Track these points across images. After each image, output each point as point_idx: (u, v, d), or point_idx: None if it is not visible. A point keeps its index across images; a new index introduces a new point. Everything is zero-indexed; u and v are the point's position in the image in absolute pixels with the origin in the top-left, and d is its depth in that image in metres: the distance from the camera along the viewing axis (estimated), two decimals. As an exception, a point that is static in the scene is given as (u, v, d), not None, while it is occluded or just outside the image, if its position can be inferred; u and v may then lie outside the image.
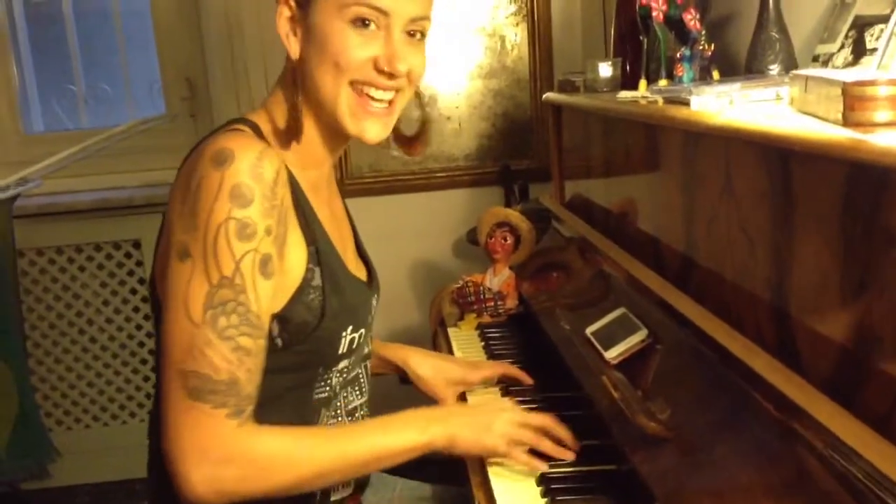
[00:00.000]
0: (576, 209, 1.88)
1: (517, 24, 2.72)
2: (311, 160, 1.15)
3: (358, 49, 1.07)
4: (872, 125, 0.78)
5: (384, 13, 1.07)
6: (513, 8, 2.71)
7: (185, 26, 2.80)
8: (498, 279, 1.93)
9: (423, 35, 1.13)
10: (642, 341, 1.24)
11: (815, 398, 0.82)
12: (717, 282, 1.11)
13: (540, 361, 1.60)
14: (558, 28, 2.72)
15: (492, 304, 1.89)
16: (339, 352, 1.13)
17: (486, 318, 1.89)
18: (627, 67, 1.75)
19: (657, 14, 1.45)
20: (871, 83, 0.79)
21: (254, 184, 0.97)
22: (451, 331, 1.87)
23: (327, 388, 1.15)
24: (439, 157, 2.77)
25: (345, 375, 1.17)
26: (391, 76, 1.09)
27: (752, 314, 1.01)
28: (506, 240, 1.94)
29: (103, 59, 3.00)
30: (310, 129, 1.12)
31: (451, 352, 1.76)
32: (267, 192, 0.98)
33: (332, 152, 1.18)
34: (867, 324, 0.78)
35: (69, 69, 2.95)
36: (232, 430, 0.98)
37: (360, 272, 1.25)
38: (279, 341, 1.07)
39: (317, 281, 1.08)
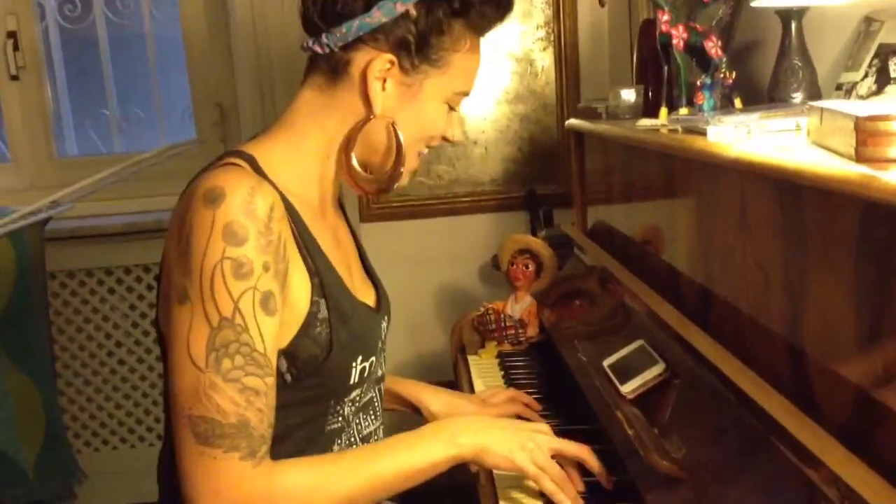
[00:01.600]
0: (597, 237, 1.86)
1: (544, 49, 2.71)
2: (319, 190, 1.15)
3: (444, 125, 1.16)
4: (886, 161, 0.76)
5: (468, 95, 1.17)
6: (541, 33, 2.71)
7: (217, 52, 2.83)
8: (519, 307, 1.91)
9: None
10: (659, 375, 1.22)
11: (827, 444, 0.79)
12: (734, 318, 1.08)
13: (560, 392, 1.58)
14: (585, 54, 2.71)
15: (513, 332, 1.87)
16: (351, 382, 1.12)
17: (507, 347, 1.87)
18: (650, 95, 1.73)
19: (678, 42, 1.43)
20: (885, 118, 0.76)
21: (247, 221, 0.96)
22: (471, 358, 1.86)
23: (339, 419, 1.13)
24: (465, 182, 2.76)
25: (357, 403, 1.16)
26: (446, 141, 1.19)
27: (767, 352, 0.98)
28: (527, 267, 1.92)
29: (136, 85, 3.04)
30: (332, 164, 1.14)
31: (470, 380, 1.75)
32: (262, 229, 0.97)
33: (343, 183, 1.19)
34: (881, 368, 0.75)
35: (103, 94, 3.00)
36: (247, 471, 0.96)
37: (368, 295, 1.23)
38: (288, 377, 1.05)
39: (323, 313, 1.07)
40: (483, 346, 1.89)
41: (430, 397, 1.44)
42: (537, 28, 2.71)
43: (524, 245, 1.93)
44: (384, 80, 1.09)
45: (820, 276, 0.85)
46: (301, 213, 1.08)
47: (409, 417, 1.48)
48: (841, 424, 0.82)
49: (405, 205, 2.77)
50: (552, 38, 2.71)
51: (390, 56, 1.07)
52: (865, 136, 0.77)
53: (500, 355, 1.84)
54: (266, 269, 0.98)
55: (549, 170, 2.74)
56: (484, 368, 1.80)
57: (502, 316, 1.87)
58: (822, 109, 0.93)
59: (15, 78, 2.83)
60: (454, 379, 1.87)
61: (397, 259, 2.77)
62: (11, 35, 2.80)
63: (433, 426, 1.14)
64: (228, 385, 0.95)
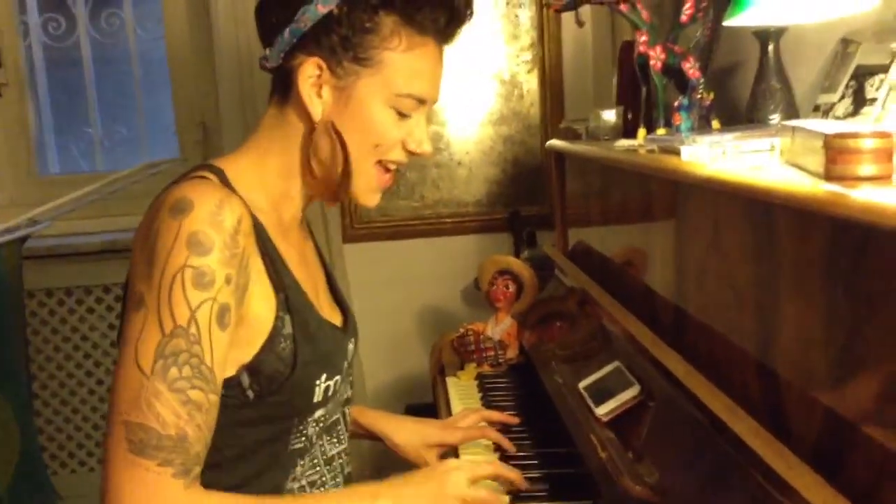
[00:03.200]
0: (578, 258, 1.84)
1: (529, 72, 2.72)
2: (285, 207, 1.14)
3: (396, 132, 1.10)
4: (855, 179, 0.75)
5: (423, 102, 1.11)
6: (527, 56, 2.71)
7: (200, 71, 2.82)
8: (500, 328, 1.89)
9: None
10: (634, 398, 1.20)
11: (797, 468, 0.77)
12: (708, 339, 1.07)
13: (539, 415, 1.55)
14: (570, 75, 2.71)
15: (492, 353, 1.85)
16: (314, 400, 1.09)
17: (487, 368, 1.85)
18: (629, 116, 1.72)
19: (655, 63, 1.43)
20: (853, 136, 0.75)
21: (213, 232, 0.95)
22: (449, 380, 1.84)
23: (303, 439, 1.11)
24: (449, 203, 2.75)
25: (321, 424, 1.14)
26: (414, 154, 1.14)
27: (740, 374, 0.97)
28: (508, 288, 1.90)
29: (120, 103, 3.02)
30: (297, 180, 1.13)
31: (448, 401, 1.73)
32: (227, 241, 0.96)
33: (309, 201, 1.18)
34: (851, 391, 0.74)
35: (86, 112, 2.99)
36: (178, 491, 0.92)
37: (335, 317, 1.22)
38: (251, 393, 1.03)
39: (287, 329, 1.05)
40: (462, 368, 1.87)
41: (394, 428, 1.42)
42: (522, 50, 2.71)
43: (505, 266, 1.91)
44: (319, 87, 1.07)
45: (791, 296, 0.84)
46: (268, 228, 1.07)
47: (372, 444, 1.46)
48: (812, 448, 0.80)
49: (388, 225, 2.75)
50: (537, 60, 2.71)
51: (318, 59, 1.06)
52: (834, 153, 0.76)
53: (480, 377, 1.82)
54: (228, 281, 0.96)
55: (532, 191, 2.73)
56: (463, 390, 1.78)
57: (482, 337, 1.86)
58: (793, 128, 0.92)
59: (-3, 95, 2.81)
60: (433, 400, 1.85)
61: (380, 280, 2.75)
62: (-6, 52, 2.79)
63: (357, 488, 1.12)
64: (172, 395, 0.92)
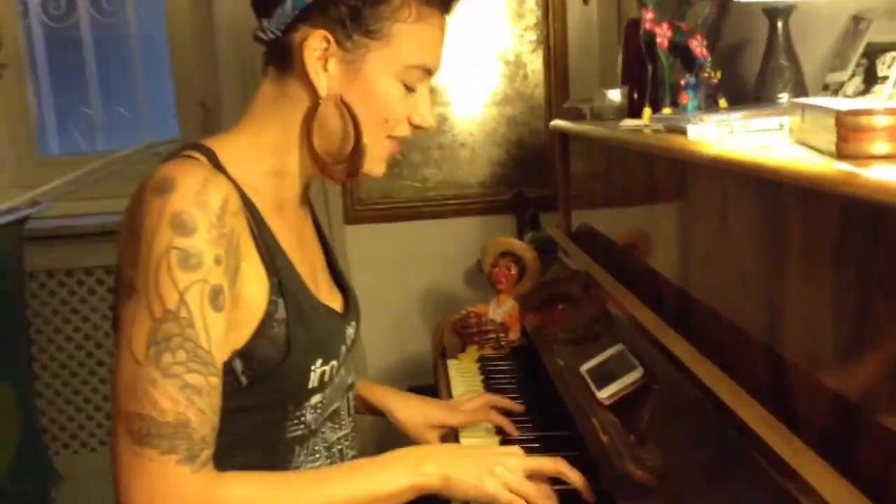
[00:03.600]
0: (581, 240, 1.82)
1: (533, 51, 2.68)
2: (283, 185, 1.11)
3: (402, 105, 1.08)
4: (868, 157, 0.73)
5: (430, 73, 1.09)
6: (531, 35, 2.68)
7: (201, 51, 2.79)
8: (501, 310, 1.87)
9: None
10: (637, 381, 1.18)
11: (804, 456, 0.76)
12: (714, 322, 1.05)
13: (541, 397, 1.54)
14: (575, 55, 2.67)
15: (494, 335, 1.83)
16: (310, 386, 1.07)
17: (488, 351, 1.83)
18: (634, 95, 1.69)
19: (662, 40, 1.40)
20: (867, 112, 0.73)
21: (197, 211, 0.92)
22: (450, 362, 1.82)
23: (301, 426, 1.08)
24: (452, 184, 2.72)
25: (320, 410, 1.11)
26: (420, 128, 1.11)
27: (746, 358, 0.95)
28: (510, 269, 1.89)
29: (120, 83, 3.00)
30: (299, 155, 1.10)
31: (449, 384, 1.71)
32: (213, 220, 0.93)
33: (310, 179, 1.15)
34: (862, 377, 0.72)
35: (87, 93, 2.96)
36: (185, 477, 0.90)
37: (334, 299, 1.19)
38: (244, 379, 1.01)
39: (281, 313, 1.02)
40: (464, 350, 1.85)
41: (398, 404, 1.40)
42: (526, 30, 2.68)
43: (507, 247, 1.89)
44: (325, 61, 1.04)
45: (800, 278, 0.82)
46: (261, 209, 1.04)
47: (382, 422, 1.44)
48: (820, 435, 0.78)
49: (391, 207, 2.73)
50: (541, 40, 2.67)
51: (324, 32, 1.02)
52: (847, 131, 0.73)
53: (481, 359, 1.81)
54: (217, 262, 0.93)
55: (536, 172, 2.70)
56: (464, 373, 1.76)
57: (483, 319, 1.84)
58: (803, 106, 0.90)
59: (-4, 75, 2.79)
60: (434, 382, 1.83)
61: (383, 261, 2.73)
62: (-7, 32, 2.77)
63: (399, 451, 1.07)
64: (168, 381, 0.89)
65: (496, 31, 2.67)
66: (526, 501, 1.05)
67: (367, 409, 1.41)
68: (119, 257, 0.97)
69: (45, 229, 2.68)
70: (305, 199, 1.21)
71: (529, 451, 1.31)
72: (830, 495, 0.69)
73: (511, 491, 1.05)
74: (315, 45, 1.03)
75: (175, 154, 1.04)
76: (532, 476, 1.09)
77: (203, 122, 2.83)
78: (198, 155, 1.02)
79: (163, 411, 0.89)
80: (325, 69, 1.04)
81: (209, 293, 0.92)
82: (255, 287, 1.00)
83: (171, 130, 2.93)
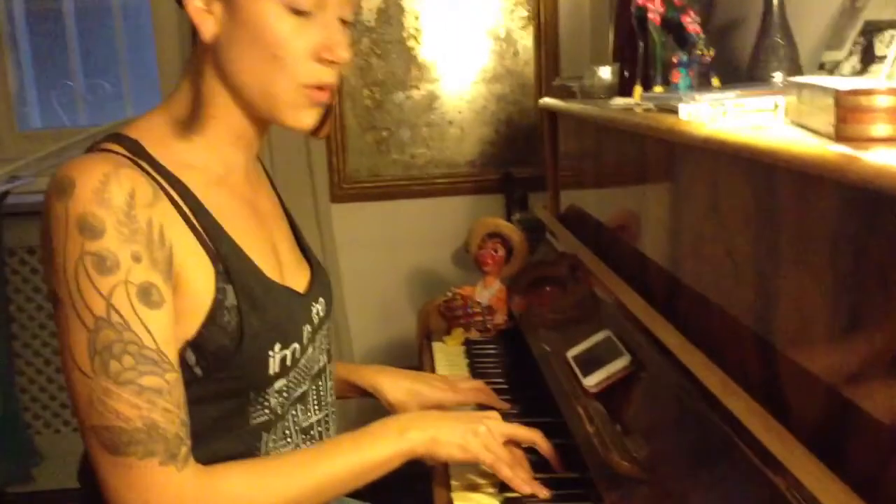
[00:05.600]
0: (569, 221, 1.78)
1: (523, 28, 2.63)
2: (221, 155, 1.04)
3: (297, 37, 0.97)
4: (868, 140, 0.69)
5: None
6: (522, 12, 2.62)
7: (184, 25, 2.72)
8: (488, 292, 1.84)
9: (350, 23, 1.04)
10: (624, 368, 1.15)
11: (794, 450, 0.73)
12: (704, 310, 1.01)
13: (526, 382, 1.51)
14: (566, 33, 2.63)
15: (480, 318, 1.80)
16: (270, 372, 1.02)
17: (474, 334, 1.80)
18: (625, 73, 1.65)
19: (654, 16, 1.36)
20: (867, 93, 0.69)
21: (101, 211, 0.86)
22: (436, 345, 1.79)
23: (266, 412, 1.04)
24: (440, 163, 2.69)
25: (285, 395, 1.06)
26: (332, 64, 1.00)
27: (736, 347, 0.92)
28: (497, 251, 1.85)
29: (103, 56, 2.94)
30: (226, 117, 1.01)
31: (433, 368, 1.68)
32: (121, 218, 0.87)
33: (250, 144, 1.07)
34: (856, 369, 0.68)
35: (68, 65, 2.90)
36: (172, 476, 0.88)
37: (300, 275, 1.14)
38: (198, 370, 0.97)
39: (230, 300, 0.97)
40: (449, 333, 1.82)
41: (389, 385, 1.35)
42: (517, 5, 2.62)
43: (494, 228, 1.86)
44: (209, 4, 0.96)
45: (794, 265, 0.78)
46: (199, 190, 0.98)
47: (366, 404, 1.41)
48: (810, 428, 0.75)
49: (378, 185, 2.69)
50: (531, 17, 2.62)
51: None
52: (846, 112, 0.70)
53: (467, 342, 1.77)
54: (136, 259, 0.88)
55: (526, 152, 2.66)
56: (449, 356, 1.73)
57: (470, 302, 1.80)
58: (800, 85, 0.86)
59: (-25, 47, 2.73)
60: (419, 365, 1.80)
61: (369, 241, 2.70)
62: (-29, 3, 2.70)
63: (381, 422, 1.08)
64: (123, 388, 0.86)
65: (486, 6, 2.61)
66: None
67: (355, 391, 1.36)
68: (43, 269, 0.93)
69: (26, 205, 2.62)
70: (256, 167, 1.14)
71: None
72: (819, 490, 0.66)
73: (493, 452, 1.09)
74: None
75: (90, 148, 0.97)
76: (508, 441, 1.12)
77: (187, 97, 2.79)
78: (114, 146, 0.95)
79: (127, 419, 0.86)
80: (210, 11, 0.97)
81: (136, 292, 0.88)
82: (197, 275, 0.95)
83: (153, 103, 2.86)
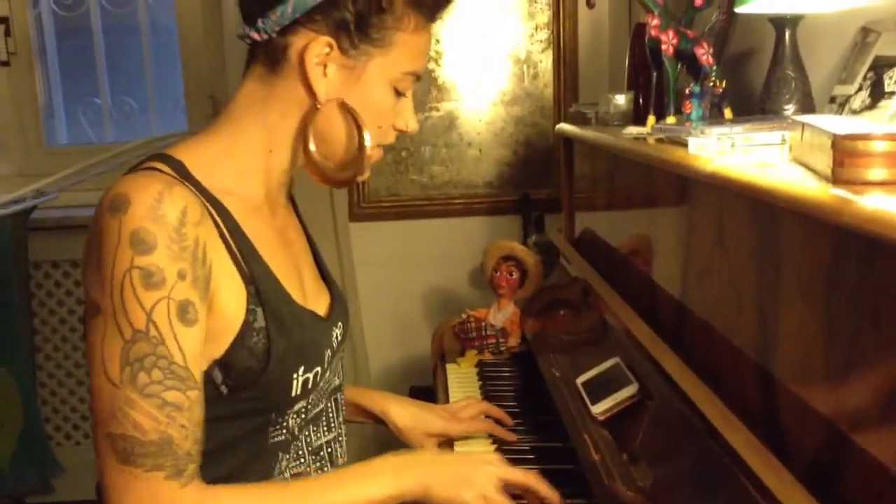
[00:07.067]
0: (583, 246, 1.80)
1: (543, 51, 2.66)
2: (262, 185, 1.09)
3: (393, 112, 1.09)
4: (864, 184, 0.70)
5: (418, 80, 1.10)
6: (542, 35, 2.65)
7: (210, 44, 2.78)
8: (502, 315, 1.85)
9: None
10: (632, 397, 1.16)
11: (789, 486, 0.74)
12: (708, 341, 1.03)
13: (537, 406, 1.52)
14: (585, 57, 2.65)
15: (494, 340, 1.81)
16: (293, 395, 1.06)
17: (487, 356, 1.82)
18: (640, 102, 1.67)
19: (667, 47, 1.38)
20: (864, 137, 0.71)
21: (155, 227, 0.90)
22: (449, 367, 1.80)
23: (284, 431, 1.07)
24: (458, 184, 2.71)
25: (304, 415, 1.10)
26: (403, 132, 1.13)
27: (738, 380, 0.93)
28: (511, 274, 1.86)
29: (129, 74, 2.99)
30: (281, 154, 1.08)
31: (447, 389, 1.70)
32: (172, 235, 0.91)
33: (288, 181, 1.14)
34: (851, 407, 0.70)
35: (96, 83, 2.96)
36: (174, 492, 0.91)
37: (321, 300, 1.17)
38: (224, 388, 1.00)
39: (259, 322, 1.00)
40: (463, 355, 1.83)
41: (397, 410, 1.38)
42: (537, 29, 2.65)
43: (509, 252, 1.87)
44: (325, 66, 1.02)
45: (792, 303, 0.80)
46: (237, 214, 1.02)
47: (377, 428, 1.43)
48: (806, 464, 0.76)
49: (396, 205, 2.71)
50: (551, 40, 2.65)
51: (328, 38, 1.01)
52: (843, 155, 0.71)
53: (480, 364, 1.79)
54: (181, 276, 0.92)
55: (543, 174, 2.68)
56: (462, 377, 1.75)
57: (484, 324, 1.82)
58: (803, 124, 0.87)
59: (5, 64, 2.80)
60: (433, 386, 1.82)
61: (387, 259, 2.72)
62: (3, 21, 2.77)
63: (379, 461, 1.09)
64: (146, 401, 0.89)
65: (507, 29, 2.64)
66: None
67: (364, 415, 1.39)
68: (84, 279, 0.96)
69: (51, 219, 2.68)
70: (288, 198, 1.20)
71: (523, 462, 1.31)
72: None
73: (488, 499, 1.09)
74: (318, 50, 1.01)
75: (136, 167, 1.01)
76: (506, 487, 1.12)
77: (212, 115, 2.83)
78: (160, 166, 0.99)
79: (144, 431, 0.89)
80: (325, 74, 1.03)
81: (176, 309, 0.91)
82: (231, 297, 0.99)
83: (179, 121, 2.93)
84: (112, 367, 0.89)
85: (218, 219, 0.99)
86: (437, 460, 1.14)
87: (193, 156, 1.02)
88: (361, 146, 1.06)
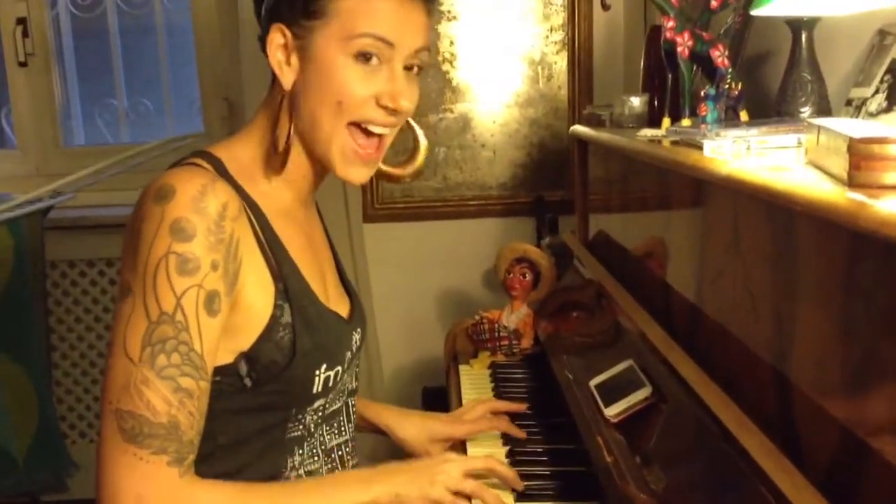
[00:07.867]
0: (597, 248, 1.80)
1: (558, 52, 2.65)
2: (290, 188, 1.12)
3: (361, 86, 1.03)
4: (880, 187, 0.70)
5: (389, 45, 1.03)
6: (557, 36, 2.64)
7: (226, 45, 2.80)
8: (515, 316, 1.85)
9: (420, 68, 1.09)
10: (645, 399, 1.16)
11: (804, 490, 0.73)
12: (722, 344, 1.03)
13: (550, 408, 1.52)
14: (600, 59, 2.64)
15: (507, 342, 1.81)
16: (314, 391, 1.08)
17: (500, 357, 1.82)
18: (655, 104, 1.67)
19: (682, 49, 1.37)
20: (881, 141, 0.71)
21: (196, 218, 0.93)
22: (462, 368, 1.81)
23: (301, 427, 1.09)
24: (472, 185, 2.71)
25: (321, 413, 1.12)
26: (392, 112, 1.05)
27: (753, 384, 0.93)
28: (525, 276, 1.86)
29: (146, 75, 3.01)
30: (296, 157, 1.09)
31: (459, 391, 1.70)
32: (211, 226, 0.94)
33: (316, 180, 1.15)
34: (868, 412, 0.69)
35: (112, 83, 2.98)
36: (173, 479, 0.92)
37: (342, 304, 1.19)
38: (248, 381, 1.02)
39: (286, 318, 1.03)
40: (476, 356, 1.83)
41: (399, 423, 1.39)
42: (552, 31, 2.64)
43: (522, 254, 1.87)
44: (288, 54, 1.03)
45: (808, 306, 0.79)
46: (269, 214, 1.05)
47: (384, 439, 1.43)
48: (822, 469, 0.76)
49: (410, 206, 2.72)
50: (566, 42, 2.64)
51: (280, 25, 1.03)
52: (859, 159, 0.71)
53: (493, 366, 1.79)
54: (214, 267, 0.94)
55: (557, 176, 2.67)
56: (475, 379, 1.75)
57: (497, 325, 1.82)
58: (819, 127, 0.87)
59: (23, 65, 2.82)
60: (446, 387, 1.82)
61: (400, 261, 2.72)
62: (21, 21, 2.79)
63: (351, 473, 1.13)
64: (162, 382, 0.91)
65: (522, 31, 2.64)
66: (470, 498, 1.14)
67: (368, 426, 1.40)
68: (122, 263, 0.98)
69: (68, 219, 2.70)
70: (313, 202, 1.22)
71: (535, 464, 1.31)
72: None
73: (454, 492, 1.12)
74: (276, 39, 1.04)
75: (180, 161, 1.05)
76: (471, 475, 1.16)
77: (228, 117, 2.84)
78: (202, 162, 1.03)
79: (156, 412, 0.91)
80: (289, 63, 1.04)
81: (205, 298, 0.94)
82: (259, 292, 1.01)
83: (194, 122, 2.94)
84: (133, 345, 0.91)
85: (252, 217, 1.02)
86: (403, 468, 1.15)
87: (231, 156, 1.06)
88: (317, 132, 1.05)
